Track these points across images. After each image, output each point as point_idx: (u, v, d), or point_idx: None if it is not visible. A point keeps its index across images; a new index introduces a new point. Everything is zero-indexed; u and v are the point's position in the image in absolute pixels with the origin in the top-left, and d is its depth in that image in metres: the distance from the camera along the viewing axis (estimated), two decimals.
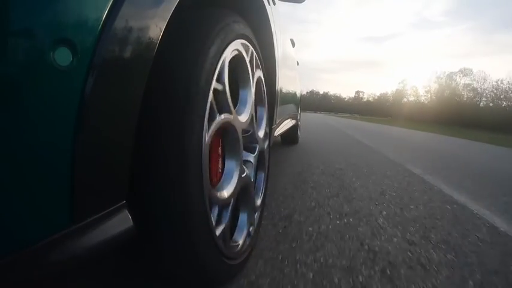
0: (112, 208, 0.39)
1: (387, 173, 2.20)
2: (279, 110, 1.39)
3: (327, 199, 1.41)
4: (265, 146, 0.96)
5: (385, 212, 1.30)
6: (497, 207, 1.55)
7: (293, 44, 2.45)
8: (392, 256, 0.90)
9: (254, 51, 0.80)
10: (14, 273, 0.30)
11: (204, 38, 0.54)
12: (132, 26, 0.37)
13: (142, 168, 0.46)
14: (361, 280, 0.76)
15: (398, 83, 59.38)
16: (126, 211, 0.42)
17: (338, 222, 1.14)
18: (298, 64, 3.03)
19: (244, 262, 0.73)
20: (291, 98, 2.13)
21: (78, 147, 0.32)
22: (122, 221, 0.41)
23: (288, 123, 2.18)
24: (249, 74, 0.75)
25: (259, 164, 0.90)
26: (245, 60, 0.73)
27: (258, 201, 0.88)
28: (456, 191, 1.83)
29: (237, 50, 0.67)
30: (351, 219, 1.17)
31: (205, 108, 0.52)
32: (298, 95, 3.06)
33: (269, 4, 1.04)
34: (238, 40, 0.68)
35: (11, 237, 0.29)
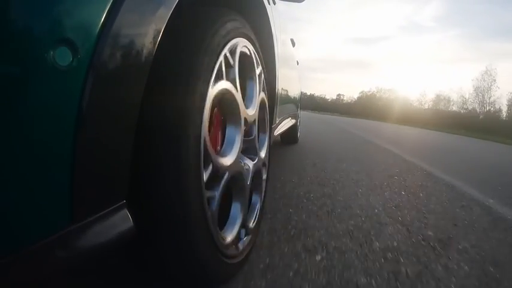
0: (112, 208, 0.39)
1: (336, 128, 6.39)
2: (278, 109, 1.39)
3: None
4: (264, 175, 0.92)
5: None
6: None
7: (293, 44, 2.45)
8: None
9: (255, 51, 0.80)
10: (13, 273, 0.30)
11: (203, 37, 0.54)
12: (132, 26, 0.37)
13: (142, 168, 0.46)
14: None
15: (359, 92, 71.15)
16: (126, 211, 0.42)
17: None
18: (298, 64, 3.03)
19: (244, 261, 0.73)
20: (291, 98, 2.13)
21: (78, 147, 0.32)
22: (122, 221, 0.41)
23: (287, 123, 2.18)
24: (254, 70, 0.76)
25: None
26: (249, 58, 0.73)
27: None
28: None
29: (237, 48, 0.67)
30: None
31: (204, 108, 0.52)
32: (298, 94, 3.06)
33: (269, 4, 1.04)
34: (239, 38, 0.68)
35: (10, 237, 0.29)
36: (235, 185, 0.71)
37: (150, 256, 0.54)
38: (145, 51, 0.40)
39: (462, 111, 40.43)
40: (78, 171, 0.33)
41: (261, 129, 0.93)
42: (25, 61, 0.27)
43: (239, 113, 0.67)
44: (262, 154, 0.89)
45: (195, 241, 0.51)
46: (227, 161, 0.62)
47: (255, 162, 0.79)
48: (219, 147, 0.69)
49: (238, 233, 0.71)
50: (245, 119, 0.71)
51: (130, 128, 0.40)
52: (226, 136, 0.67)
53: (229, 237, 0.66)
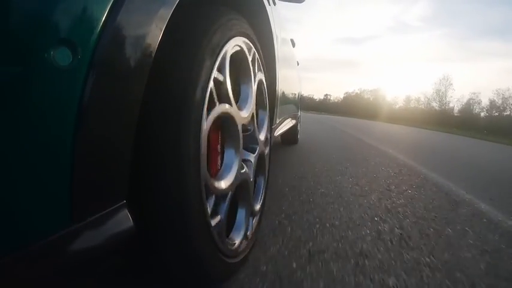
0: (112, 208, 0.39)
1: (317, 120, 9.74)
2: (279, 110, 1.39)
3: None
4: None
5: None
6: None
7: (293, 44, 2.45)
8: None
9: (255, 51, 0.80)
10: (13, 273, 0.30)
11: (203, 35, 0.54)
12: (132, 26, 0.37)
13: (142, 168, 0.46)
14: None
15: (344, 93, 75.70)
16: (126, 211, 0.42)
17: None
18: (298, 64, 3.03)
19: (244, 261, 0.73)
20: (291, 98, 2.13)
21: (78, 147, 0.32)
22: (122, 221, 0.41)
23: (288, 123, 2.18)
24: (250, 71, 0.75)
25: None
26: (246, 58, 0.73)
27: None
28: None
29: (238, 46, 0.68)
30: None
31: (203, 106, 0.52)
32: (298, 94, 3.06)
33: (269, 4, 1.04)
34: (239, 37, 0.68)
35: (10, 236, 0.29)
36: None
37: (151, 256, 0.54)
38: (145, 51, 0.40)
39: (439, 109, 46.95)
40: (78, 171, 0.33)
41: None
42: (25, 61, 0.27)
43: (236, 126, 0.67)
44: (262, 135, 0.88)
45: (196, 240, 0.51)
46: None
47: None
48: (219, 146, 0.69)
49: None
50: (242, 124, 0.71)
51: (131, 128, 0.40)
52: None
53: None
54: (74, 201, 0.33)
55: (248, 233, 0.75)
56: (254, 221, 0.81)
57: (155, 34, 0.42)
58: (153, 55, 0.41)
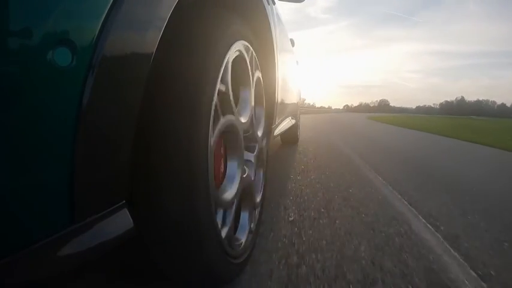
0: (112, 208, 0.39)
1: None
2: (278, 109, 1.39)
3: None
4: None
5: None
6: None
7: (293, 44, 2.45)
8: None
9: (253, 52, 0.80)
10: (13, 274, 0.30)
11: (208, 39, 0.54)
12: (131, 26, 0.37)
13: (143, 168, 0.46)
14: None
15: None
16: (126, 211, 0.42)
17: None
18: (298, 63, 3.03)
19: (246, 261, 0.73)
20: (290, 97, 2.13)
21: (77, 147, 0.32)
22: (122, 221, 0.41)
23: (288, 123, 2.18)
24: (249, 75, 0.75)
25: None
26: (246, 61, 0.73)
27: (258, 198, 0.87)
28: None
29: (239, 51, 0.68)
30: None
31: (211, 108, 0.52)
32: (298, 94, 3.06)
33: (269, 4, 1.04)
34: (240, 41, 0.68)
35: (10, 237, 0.29)
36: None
37: (149, 256, 0.54)
38: (145, 52, 0.40)
39: None
40: (78, 172, 0.33)
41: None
42: (25, 61, 0.27)
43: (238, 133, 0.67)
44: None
45: (198, 241, 0.51)
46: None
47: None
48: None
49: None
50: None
51: (130, 128, 0.40)
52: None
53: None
54: (74, 202, 0.33)
55: (252, 226, 0.76)
56: (256, 213, 0.82)
57: (154, 34, 0.42)
58: (152, 55, 0.41)
